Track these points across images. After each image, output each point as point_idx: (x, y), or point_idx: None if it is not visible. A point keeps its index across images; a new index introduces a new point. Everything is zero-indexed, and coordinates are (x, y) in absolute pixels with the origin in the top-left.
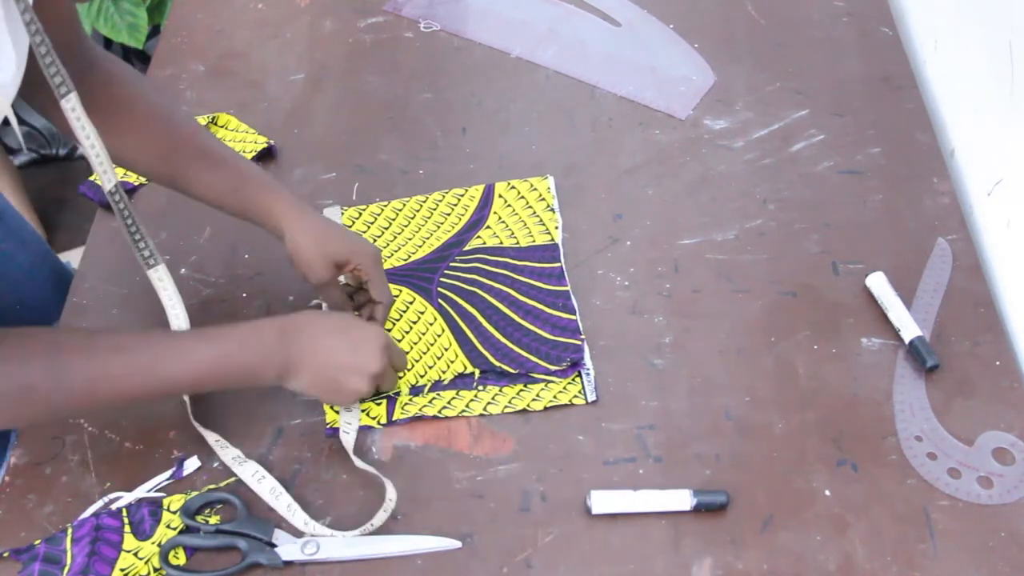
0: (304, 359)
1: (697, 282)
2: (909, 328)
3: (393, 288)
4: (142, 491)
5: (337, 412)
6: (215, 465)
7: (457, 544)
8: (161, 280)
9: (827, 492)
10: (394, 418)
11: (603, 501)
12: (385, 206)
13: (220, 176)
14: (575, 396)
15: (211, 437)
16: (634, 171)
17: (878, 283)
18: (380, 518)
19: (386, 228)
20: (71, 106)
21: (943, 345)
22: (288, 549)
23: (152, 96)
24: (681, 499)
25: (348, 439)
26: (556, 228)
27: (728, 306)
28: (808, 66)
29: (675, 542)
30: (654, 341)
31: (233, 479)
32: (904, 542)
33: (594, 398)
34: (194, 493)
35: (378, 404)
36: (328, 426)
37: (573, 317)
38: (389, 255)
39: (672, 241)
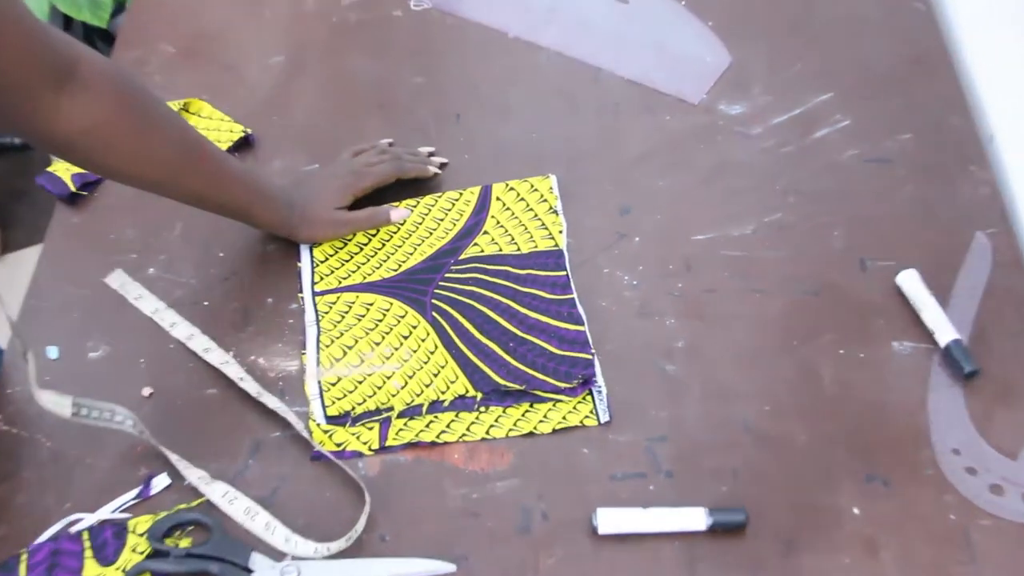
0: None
1: (711, 281)
2: (945, 330)
3: (383, 300)
4: (105, 512)
5: (325, 432)
6: (187, 483)
7: (451, 567)
8: None
9: (856, 510)
10: (387, 444)
11: (610, 520)
12: None
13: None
14: (586, 416)
15: (172, 455)
16: (642, 161)
17: (910, 281)
18: (362, 523)
19: (373, 235)
20: None
21: (983, 349)
22: (266, 574)
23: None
24: (695, 518)
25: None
26: (560, 232)
27: (745, 307)
28: (832, 45)
29: (689, 566)
30: (665, 345)
31: (205, 498)
32: (942, 566)
33: (607, 418)
34: (163, 513)
35: (369, 428)
36: (315, 449)
37: (582, 329)
38: (378, 265)
39: (684, 236)
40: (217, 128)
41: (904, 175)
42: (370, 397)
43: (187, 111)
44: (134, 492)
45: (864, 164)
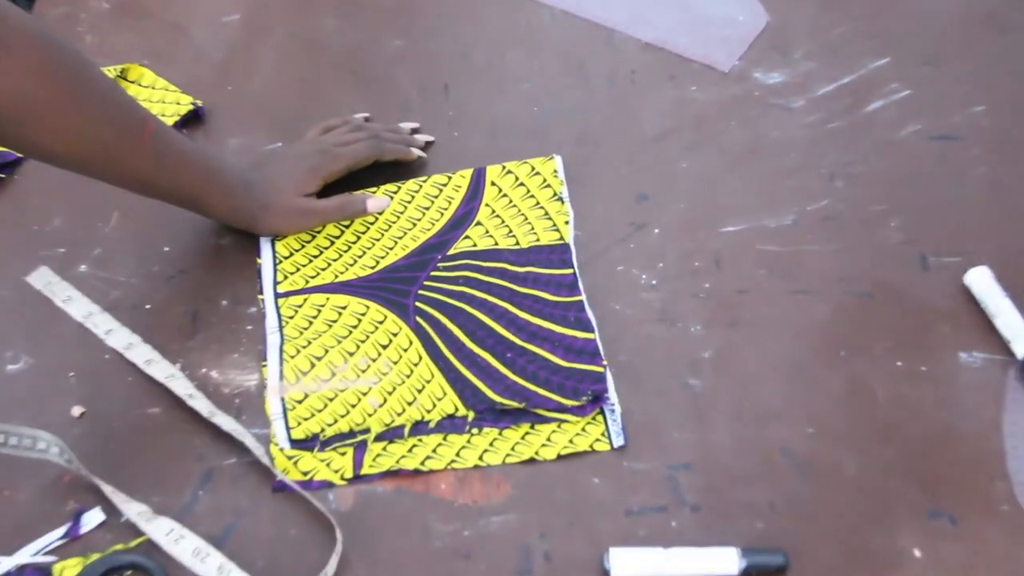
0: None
1: (744, 280)
2: (1022, 339)
3: (357, 303)
4: (26, 554)
5: (290, 459)
6: (124, 519)
7: None
8: None
9: (917, 553)
10: (362, 472)
11: (625, 562)
12: None
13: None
14: (597, 440)
15: (107, 487)
16: (663, 139)
17: (981, 281)
18: (333, 565)
19: (346, 227)
20: None
21: None
22: None
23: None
24: (726, 560)
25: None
26: (566, 223)
27: (785, 311)
28: (888, 1)
29: None
30: (689, 356)
31: (146, 537)
32: None
33: (622, 442)
34: (95, 556)
35: (342, 454)
36: (278, 479)
37: (592, 336)
38: (351, 262)
39: (712, 228)
40: (161, 99)
41: (975, 155)
42: (342, 417)
43: (125, 79)
44: (61, 530)
45: (927, 142)
